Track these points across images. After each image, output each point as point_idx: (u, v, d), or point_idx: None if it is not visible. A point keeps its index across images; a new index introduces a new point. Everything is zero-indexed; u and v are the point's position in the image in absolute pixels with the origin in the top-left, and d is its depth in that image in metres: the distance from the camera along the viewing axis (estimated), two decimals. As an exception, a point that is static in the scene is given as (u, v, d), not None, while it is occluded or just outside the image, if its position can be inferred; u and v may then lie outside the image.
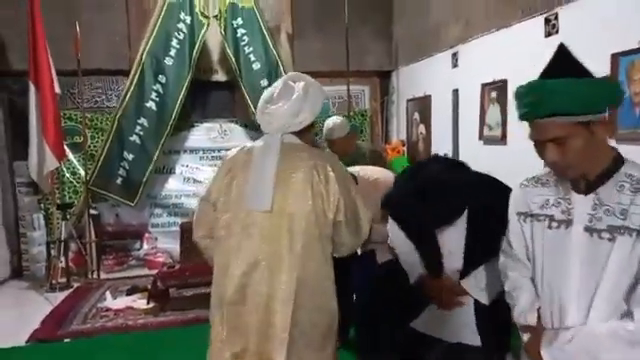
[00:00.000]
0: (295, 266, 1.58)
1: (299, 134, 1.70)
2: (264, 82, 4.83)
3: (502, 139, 3.61)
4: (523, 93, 1.19)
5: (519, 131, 3.48)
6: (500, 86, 3.66)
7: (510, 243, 1.36)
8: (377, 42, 5.76)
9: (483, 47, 3.87)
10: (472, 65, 4.05)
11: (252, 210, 1.61)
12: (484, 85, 3.84)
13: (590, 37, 2.61)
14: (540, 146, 1.19)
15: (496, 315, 1.69)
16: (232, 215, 1.64)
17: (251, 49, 4.81)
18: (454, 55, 4.31)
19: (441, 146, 4.45)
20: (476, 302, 1.75)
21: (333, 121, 3.30)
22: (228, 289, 1.61)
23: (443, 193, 1.69)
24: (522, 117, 1.22)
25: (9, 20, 4.65)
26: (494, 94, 3.76)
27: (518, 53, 3.38)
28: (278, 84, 1.69)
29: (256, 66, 4.85)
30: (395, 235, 1.94)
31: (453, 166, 1.87)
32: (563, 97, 1.11)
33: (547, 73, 1.19)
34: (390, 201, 1.90)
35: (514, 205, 1.34)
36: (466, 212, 1.71)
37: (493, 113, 3.78)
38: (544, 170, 1.28)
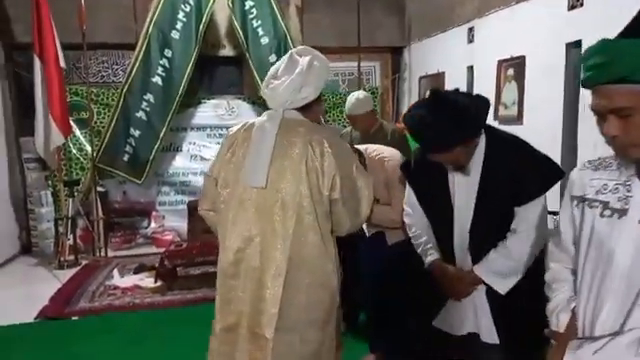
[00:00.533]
0: (288, 243, 1.56)
1: (303, 110, 1.65)
2: (272, 57, 4.70)
3: (518, 119, 3.48)
4: (591, 53, 0.98)
5: (536, 110, 3.36)
6: (517, 63, 3.51)
7: (560, 230, 1.21)
8: (389, 17, 5.57)
9: (501, 21, 3.70)
10: (488, 41, 3.89)
11: (248, 186, 1.60)
12: (501, 62, 3.69)
13: (618, 10, 2.46)
14: (601, 118, 0.99)
15: (516, 306, 1.60)
16: (230, 190, 1.64)
17: (259, 22, 4.67)
18: (470, 30, 4.14)
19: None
20: (490, 290, 1.66)
21: (356, 97, 3.07)
22: (224, 262, 1.63)
23: (458, 113, 1.53)
24: (584, 83, 1.01)
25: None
26: (511, 71, 3.61)
27: (538, 28, 3.22)
28: (285, 58, 1.64)
29: (264, 40, 4.71)
30: (411, 205, 1.86)
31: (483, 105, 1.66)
32: (635, 60, 0.91)
33: (625, 33, 0.96)
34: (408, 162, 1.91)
35: (569, 188, 1.17)
36: (481, 162, 1.62)
37: (509, 91, 3.64)
38: (610, 151, 1.07)
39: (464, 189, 1.67)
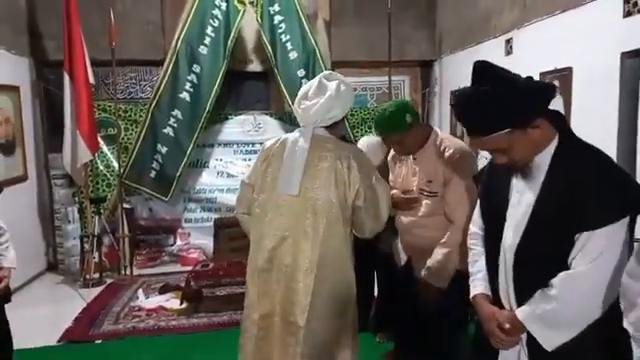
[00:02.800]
0: (318, 243, 1.82)
1: (329, 128, 1.93)
2: (301, 72, 4.61)
3: (564, 134, 3.26)
4: None
5: (585, 126, 3.14)
6: (563, 75, 3.29)
7: None
8: (419, 30, 5.44)
9: (543, 31, 3.51)
10: (529, 52, 3.69)
11: (283, 193, 1.86)
12: (543, 74, 3.48)
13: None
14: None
15: None
16: (267, 196, 1.90)
17: (288, 37, 4.59)
18: (508, 42, 3.95)
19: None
20: (533, 341, 1.31)
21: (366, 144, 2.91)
22: (259, 259, 1.87)
23: (503, 90, 1.26)
24: None
25: (47, 9, 4.60)
26: (555, 84, 3.40)
27: (587, 37, 3.01)
28: (314, 82, 1.91)
29: (293, 55, 4.62)
30: (476, 224, 1.58)
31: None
32: None
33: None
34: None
35: None
36: (546, 168, 1.31)
37: (554, 105, 3.42)
38: None
39: (520, 199, 1.35)
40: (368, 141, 2.92)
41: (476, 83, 1.32)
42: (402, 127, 2.07)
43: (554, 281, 1.27)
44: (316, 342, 1.81)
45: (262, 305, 1.86)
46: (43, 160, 4.84)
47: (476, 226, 1.58)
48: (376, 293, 3.11)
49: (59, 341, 3.10)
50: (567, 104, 3.26)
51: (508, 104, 1.26)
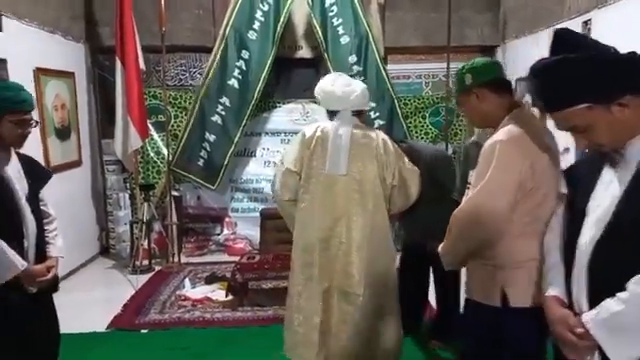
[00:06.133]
0: (368, 219, 2.06)
1: (358, 115, 2.16)
2: (352, 58, 4.41)
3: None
4: None
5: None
6: (653, 60, 2.91)
7: None
8: (480, 13, 5.06)
9: (628, 11, 3.11)
10: (611, 35, 3.28)
11: (331, 174, 2.06)
12: (627, 60, 3.10)
13: None
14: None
15: None
16: (315, 181, 2.08)
17: (340, 21, 4.38)
18: (585, 24, 3.55)
19: (560, 138, 3.75)
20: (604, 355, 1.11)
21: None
22: (314, 239, 2.08)
23: (584, 59, 1.11)
24: None
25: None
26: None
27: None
28: (335, 74, 2.25)
29: (344, 40, 4.42)
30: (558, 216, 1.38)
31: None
32: None
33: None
34: None
35: None
36: (638, 161, 1.11)
37: None
38: None
39: (604, 192, 1.17)
40: None
41: (555, 53, 1.15)
42: (459, 88, 1.71)
43: (629, 283, 1.08)
44: (369, 308, 2.08)
45: (322, 280, 2.08)
46: (97, 146, 4.93)
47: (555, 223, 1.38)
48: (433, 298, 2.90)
49: (107, 328, 3.12)
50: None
51: (588, 75, 1.10)
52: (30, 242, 1.79)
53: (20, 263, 1.73)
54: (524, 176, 1.47)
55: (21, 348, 1.78)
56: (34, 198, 1.85)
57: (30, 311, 1.78)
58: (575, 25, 3.65)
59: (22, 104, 1.77)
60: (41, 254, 1.86)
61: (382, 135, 2.16)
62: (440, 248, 1.65)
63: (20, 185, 1.78)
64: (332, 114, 2.18)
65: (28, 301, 1.79)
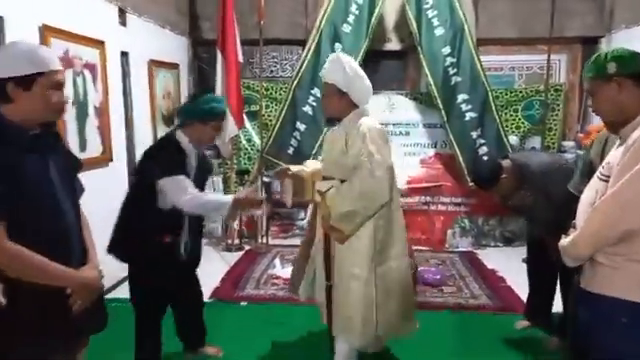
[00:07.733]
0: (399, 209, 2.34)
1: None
2: (446, 49, 4.37)
3: None
4: None
5: None
6: None
7: None
8: (582, 1, 4.80)
9: None
10: None
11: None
12: None
13: None
14: None
15: None
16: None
17: (435, 12, 4.36)
18: None
19: None
20: None
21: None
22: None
23: None
24: None
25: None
26: None
27: None
28: (354, 63, 2.45)
29: (439, 31, 4.39)
30: None
31: None
32: None
33: None
34: None
35: None
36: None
37: None
38: None
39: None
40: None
41: None
42: (597, 75, 1.55)
43: None
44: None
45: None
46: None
47: None
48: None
49: (209, 298, 3.38)
50: None
51: None
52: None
53: (226, 199, 2.13)
54: None
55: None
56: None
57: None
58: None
59: (224, 114, 2.28)
60: None
61: None
62: (566, 242, 1.61)
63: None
64: (330, 122, 2.43)
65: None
